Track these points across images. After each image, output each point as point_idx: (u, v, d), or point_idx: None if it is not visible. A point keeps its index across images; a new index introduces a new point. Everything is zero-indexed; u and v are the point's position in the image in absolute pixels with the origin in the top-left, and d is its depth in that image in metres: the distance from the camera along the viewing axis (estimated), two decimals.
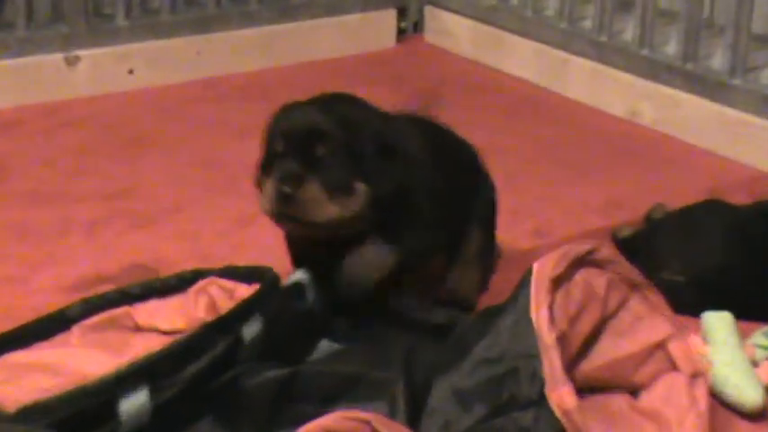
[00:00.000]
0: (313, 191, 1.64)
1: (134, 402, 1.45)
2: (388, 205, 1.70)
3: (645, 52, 2.74)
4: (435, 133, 1.92)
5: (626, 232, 2.15)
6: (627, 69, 2.76)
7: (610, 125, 2.74)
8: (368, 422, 1.32)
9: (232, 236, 2.20)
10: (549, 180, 2.46)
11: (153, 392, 1.46)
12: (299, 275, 1.72)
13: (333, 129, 1.67)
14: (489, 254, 1.98)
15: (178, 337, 1.56)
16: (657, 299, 1.71)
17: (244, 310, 1.59)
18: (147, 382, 1.46)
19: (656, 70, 2.71)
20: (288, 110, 1.75)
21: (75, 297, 1.83)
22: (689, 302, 1.88)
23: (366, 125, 1.71)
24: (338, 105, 1.74)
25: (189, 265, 2.03)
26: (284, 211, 1.65)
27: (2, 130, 2.62)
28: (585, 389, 1.54)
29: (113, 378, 1.46)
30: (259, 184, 1.73)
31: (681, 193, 2.29)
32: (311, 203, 1.65)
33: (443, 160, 1.84)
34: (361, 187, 1.67)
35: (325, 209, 1.65)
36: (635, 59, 2.75)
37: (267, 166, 1.71)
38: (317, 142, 1.67)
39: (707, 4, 2.71)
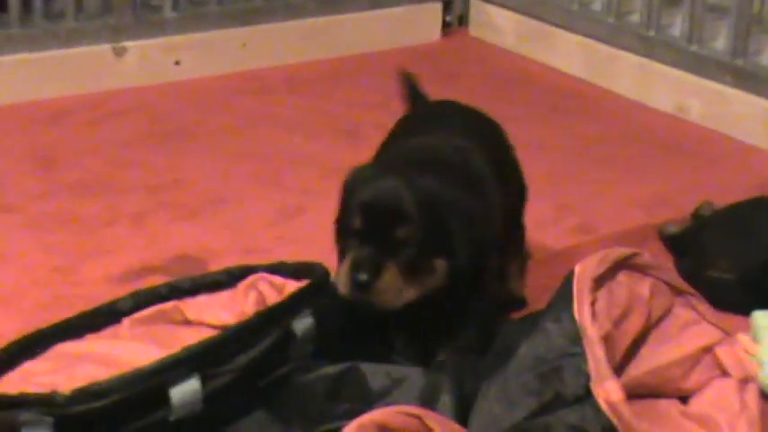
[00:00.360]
0: (390, 279, 1.59)
1: (185, 389, 1.47)
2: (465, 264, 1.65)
3: (693, 48, 2.72)
4: (486, 135, 1.89)
5: (673, 229, 2.15)
6: (675, 65, 2.75)
7: (656, 121, 2.73)
8: (419, 417, 1.33)
9: (276, 228, 2.22)
10: (594, 176, 2.46)
11: (204, 380, 1.48)
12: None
13: (414, 211, 1.60)
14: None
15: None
16: (702, 304, 1.71)
17: (293, 303, 1.59)
18: (197, 369, 1.48)
19: (704, 66, 2.70)
20: (367, 179, 1.65)
21: (123, 287, 1.87)
22: (738, 301, 1.88)
23: (449, 200, 1.63)
24: (421, 174, 1.64)
25: (234, 257, 2.06)
26: (360, 298, 1.59)
27: (49, 120, 2.64)
28: (632, 395, 1.54)
29: (165, 364, 1.47)
30: (338, 243, 1.68)
31: (729, 191, 2.28)
32: (388, 292, 1.59)
33: (498, 167, 1.81)
34: (441, 264, 1.62)
35: (403, 294, 1.60)
36: (683, 55, 2.74)
37: (344, 240, 1.64)
38: (397, 225, 1.60)
39: (757, 0, 2.69)
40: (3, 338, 1.66)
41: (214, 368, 1.49)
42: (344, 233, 1.64)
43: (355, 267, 1.58)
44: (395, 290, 1.59)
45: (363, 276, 1.57)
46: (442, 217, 1.61)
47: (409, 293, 1.61)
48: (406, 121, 1.94)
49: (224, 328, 1.72)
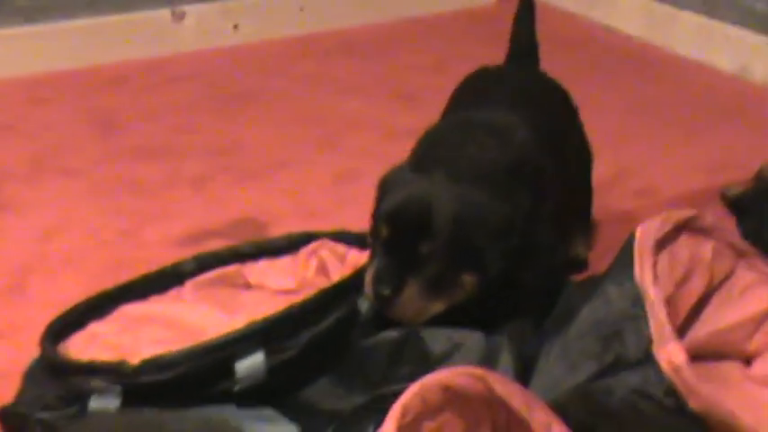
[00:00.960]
0: (412, 295, 1.55)
1: (250, 363, 1.49)
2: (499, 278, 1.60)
3: (759, 5, 2.69)
4: (545, 103, 1.86)
5: (735, 191, 2.13)
6: (738, 23, 2.72)
7: (719, 82, 2.70)
8: (482, 378, 1.34)
9: (335, 191, 2.23)
10: (654, 139, 2.44)
11: (268, 355, 1.50)
12: None
13: (441, 225, 1.54)
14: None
15: (293, 300, 1.59)
16: (765, 266, 1.70)
17: (359, 280, 1.59)
18: (263, 344, 1.50)
19: None
20: (398, 185, 1.61)
21: (184, 251, 1.89)
22: None
23: (482, 214, 1.57)
24: (455, 181, 1.58)
25: (293, 220, 2.07)
26: (383, 310, 1.56)
27: (108, 85, 2.66)
28: (694, 358, 1.54)
29: (231, 339, 1.50)
30: (371, 239, 1.63)
31: None
32: (410, 308, 1.56)
33: (557, 136, 1.79)
34: (468, 279, 1.58)
35: (425, 310, 1.56)
36: (747, 13, 2.70)
37: (373, 245, 1.60)
38: (422, 239, 1.54)
39: None
40: (69, 300, 1.68)
41: (279, 343, 1.51)
42: (374, 236, 1.61)
43: (378, 279, 1.55)
44: (417, 306, 1.56)
45: (386, 291, 1.54)
46: (472, 232, 1.55)
47: (433, 308, 1.57)
48: (464, 90, 1.90)
49: (285, 293, 1.75)
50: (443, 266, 1.55)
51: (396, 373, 1.49)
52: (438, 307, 1.57)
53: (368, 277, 1.57)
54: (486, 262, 1.57)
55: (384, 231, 1.56)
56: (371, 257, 1.61)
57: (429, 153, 1.67)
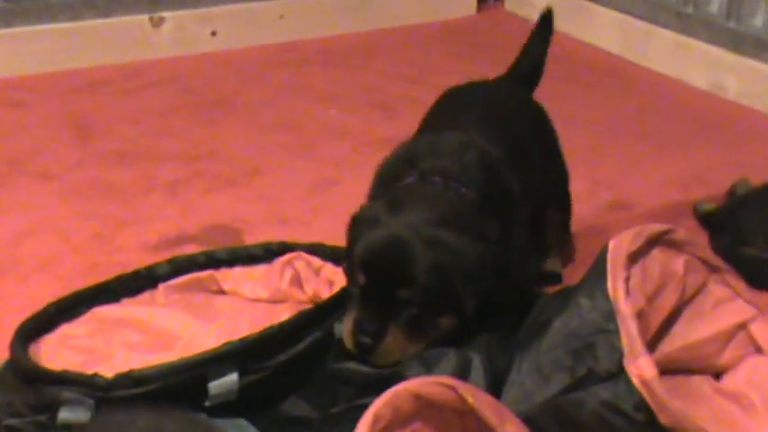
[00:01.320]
0: (393, 342, 1.55)
1: (223, 383, 1.48)
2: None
3: (731, 24, 2.70)
4: (520, 124, 1.83)
5: (708, 207, 2.14)
6: (712, 42, 2.73)
7: (693, 98, 2.71)
8: (454, 388, 1.33)
9: (310, 199, 2.22)
10: (629, 153, 2.44)
11: (242, 375, 1.49)
12: None
13: (419, 273, 1.53)
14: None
15: (267, 312, 1.60)
16: (737, 281, 1.71)
17: (337, 304, 1.59)
18: (238, 365, 1.49)
19: (741, 43, 2.68)
20: (372, 228, 1.57)
21: (158, 255, 1.88)
22: None
23: (458, 258, 1.55)
24: (429, 221, 1.56)
25: (268, 227, 2.06)
26: (364, 357, 1.55)
27: (86, 89, 2.65)
28: (665, 372, 1.54)
29: (208, 358, 1.49)
30: (346, 275, 1.63)
31: (765, 169, 2.27)
32: (391, 353, 1.55)
33: (529, 157, 1.77)
34: (445, 321, 1.58)
35: (403, 353, 1.56)
36: (720, 32, 2.72)
37: (350, 291, 1.58)
38: (401, 286, 1.54)
39: None
40: (42, 303, 1.66)
41: (254, 364, 1.51)
42: (349, 278, 1.59)
43: (359, 329, 1.54)
44: (398, 350, 1.55)
45: (367, 340, 1.53)
46: (449, 277, 1.55)
47: (413, 349, 1.56)
48: (436, 110, 1.88)
49: (258, 301, 1.74)
50: (422, 311, 1.55)
51: (369, 391, 1.47)
52: (417, 348, 1.56)
53: (347, 327, 1.55)
54: (462, 304, 1.57)
55: (361, 278, 1.55)
56: (348, 305, 1.58)
57: (398, 186, 1.63)
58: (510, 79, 1.95)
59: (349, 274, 1.60)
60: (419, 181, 1.62)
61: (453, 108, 1.86)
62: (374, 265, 1.54)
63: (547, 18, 1.99)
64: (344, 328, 1.56)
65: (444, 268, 1.54)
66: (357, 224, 1.60)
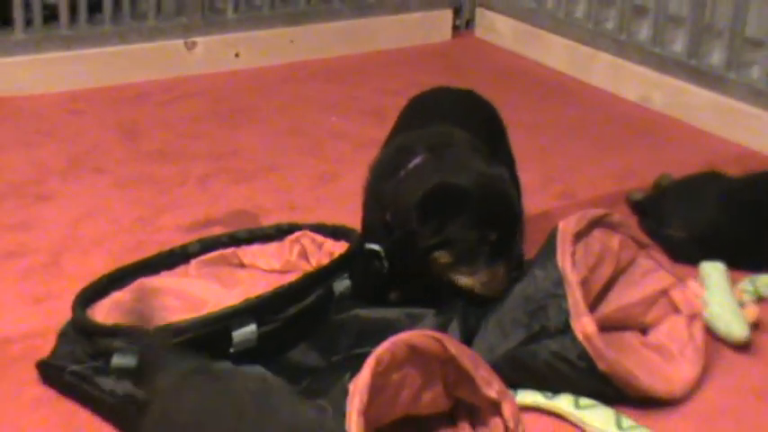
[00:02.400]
0: (503, 272, 1.57)
1: (245, 332, 1.48)
2: None
3: (657, 49, 2.70)
4: (484, 117, 1.84)
5: (638, 196, 2.14)
6: (641, 63, 2.73)
7: (625, 109, 2.71)
8: (440, 340, 1.33)
9: (316, 190, 2.21)
10: (574, 152, 2.44)
11: (259, 326, 1.49)
12: (375, 246, 1.66)
13: (518, 215, 1.59)
14: None
15: (279, 281, 1.59)
16: (660, 255, 1.71)
17: (336, 267, 1.59)
18: (255, 317, 1.49)
19: (665, 64, 2.68)
20: (493, 194, 1.55)
21: (190, 235, 1.87)
22: (689, 254, 1.87)
23: (517, 190, 1.63)
24: (502, 174, 1.59)
25: (281, 213, 2.06)
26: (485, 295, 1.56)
27: (132, 100, 2.64)
28: (602, 329, 1.54)
29: (230, 312, 1.48)
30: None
31: (684, 165, 2.26)
32: (502, 283, 1.57)
33: (495, 142, 1.78)
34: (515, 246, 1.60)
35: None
36: (648, 55, 2.71)
37: (475, 247, 1.54)
38: (515, 233, 1.58)
39: (708, 11, 2.67)
40: (96, 274, 1.67)
41: (268, 316, 1.50)
42: (476, 242, 1.54)
43: (503, 275, 1.55)
44: (504, 281, 1.56)
45: (501, 287, 1.55)
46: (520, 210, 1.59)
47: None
48: (416, 108, 1.87)
49: (272, 272, 1.73)
50: (515, 244, 1.58)
51: (364, 343, 1.47)
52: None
53: (484, 274, 1.55)
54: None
55: (494, 235, 1.53)
56: (472, 259, 1.55)
57: (417, 164, 1.59)
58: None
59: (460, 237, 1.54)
60: (433, 155, 1.58)
61: (423, 110, 1.84)
62: (507, 218, 1.54)
63: None
64: (475, 280, 1.55)
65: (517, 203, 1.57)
66: (439, 194, 1.53)
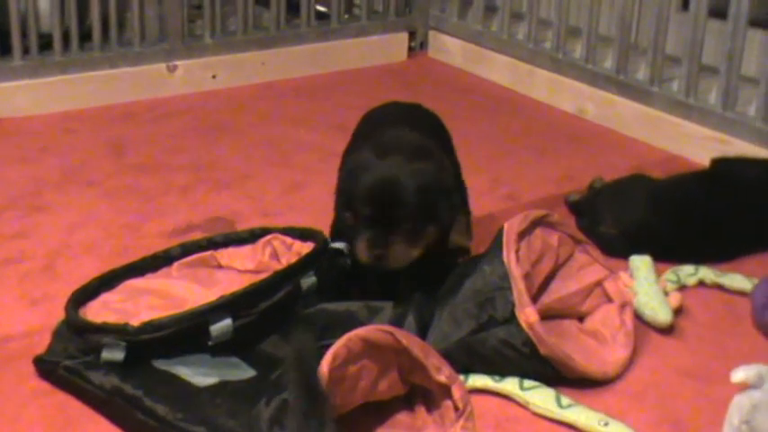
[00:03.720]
0: (399, 250, 1.54)
1: (221, 326, 1.46)
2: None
3: (589, 66, 2.71)
4: (432, 124, 1.83)
5: (574, 197, 2.14)
6: (576, 79, 2.74)
7: (564, 119, 2.72)
8: (392, 333, 1.32)
9: (286, 197, 2.19)
10: (518, 159, 2.45)
11: (235, 320, 1.47)
12: (339, 244, 1.66)
13: (410, 197, 1.53)
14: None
15: (253, 280, 1.57)
16: (595, 251, 1.72)
17: (303, 266, 1.58)
18: (230, 312, 1.47)
19: (597, 79, 2.69)
20: (370, 171, 1.55)
21: (173, 240, 1.85)
22: (620, 249, 1.88)
23: (436, 180, 1.56)
24: (409, 159, 1.56)
25: (254, 219, 2.04)
26: (377, 265, 1.55)
27: (121, 118, 2.61)
28: (544, 318, 1.54)
29: (208, 308, 1.47)
30: (341, 220, 1.62)
31: (614, 169, 2.28)
32: (398, 258, 1.55)
33: (443, 145, 1.77)
34: (431, 229, 1.57)
35: (408, 257, 1.56)
36: (582, 71, 2.72)
37: (356, 223, 1.56)
38: (398, 209, 1.53)
39: (633, 32, 2.68)
40: (87, 277, 1.65)
41: (243, 311, 1.49)
42: (352, 211, 1.57)
43: (372, 245, 1.53)
44: (403, 256, 1.55)
45: (378, 251, 1.53)
46: (430, 195, 1.54)
47: (412, 256, 1.56)
48: (370, 119, 1.86)
49: (247, 272, 1.72)
50: (416, 226, 1.54)
51: (330, 333, 1.46)
52: (417, 252, 1.56)
53: (360, 246, 1.54)
54: (441, 216, 1.57)
55: (367, 210, 1.53)
56: (341, 224, 1.58)
57: (378, 142, 1.61)
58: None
59: (346, 208, 1.57)
60: (392, 139, 1.61)
61: (377, 122, 1.83)
62: (377, 195, 1.53)
63: None
64: (357, 249, 1.54)
65: (425, 190, 1.53)
66: (356, 168, 1.57)
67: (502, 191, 2.24)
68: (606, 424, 1.43)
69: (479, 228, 1.96)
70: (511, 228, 1.57)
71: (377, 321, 1.51)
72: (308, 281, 1.56)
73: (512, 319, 1.50)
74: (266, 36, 2.90)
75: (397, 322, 1.51)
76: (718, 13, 2.43)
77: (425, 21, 3.16)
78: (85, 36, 2.64)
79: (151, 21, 2.73)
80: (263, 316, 1.51)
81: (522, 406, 1.49)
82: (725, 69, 2.39)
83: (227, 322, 1.46)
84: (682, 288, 1.81)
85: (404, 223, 1.54)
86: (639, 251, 1.80)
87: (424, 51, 3.20)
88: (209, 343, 1.46)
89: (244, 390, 1.40)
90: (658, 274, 1.76)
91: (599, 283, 1.67)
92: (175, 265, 1.71)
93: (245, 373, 1.46)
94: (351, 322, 1.49)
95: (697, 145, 2.43)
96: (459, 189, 1.87)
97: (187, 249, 1.73)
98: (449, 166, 1.65)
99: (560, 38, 2.78)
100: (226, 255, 1.74)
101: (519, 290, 1.51)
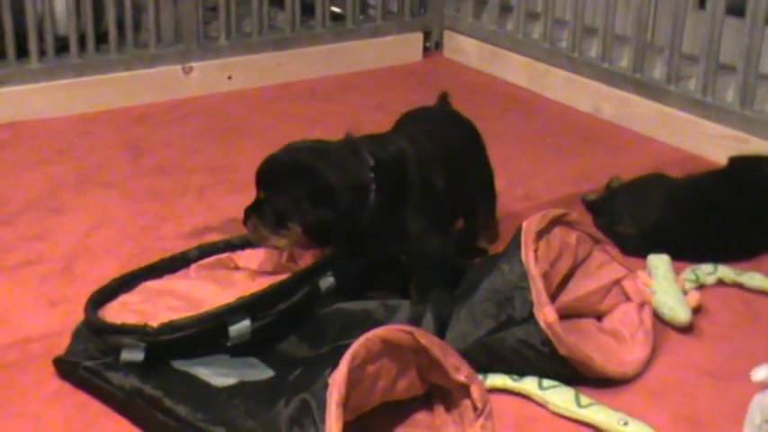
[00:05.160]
0: (255, 225, 1.58)
1: (240, 327, 1.47)
2: (341, 231, 1.55)
3: (605, 65, 2.71)
4: (448, 132, 1.79)
5: (592, 197, 2.14)
6: (592, 78, 2.74)
7: (579, 119, 2.72)
8: (411, 333, 1.33)
9: None
10: (534, 158, 2.45)
11: (253, 321, 1.48)
12: None
13: (275, 178, 1.55)
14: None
15: (271, 281, 1.58)
16: (613, 249, 1.72)
17: (321, 267, 1.58)
18: (249, 313, 1.48)
19: (613, 78, 2.69)
20: (269, 155, 1.60)
21: (190, 242, 1.86)
22: (638, 248, 1.88)
23: (306, 173, 1.52)
24: (297, 154, 1.56)
25: None
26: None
27: (137, 120, 2.62)
28: (562, 317, 1.54)
29: (227, 309, 1.48)
30: None
31: (631, 168, 2.27)
32: (255, 234, 1.59)
33: (451, 156, 1.71)
34: (292, 226, 1.55)
35: (267, 239, 1.57)
36: (599, 70, 2.72)
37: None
38: (263, 188, 1.57)
39: (650, 31, 2.68)
40: (106, 278, 1.66)
41: (261, 312, 1.50)
42: None
43: (244, 215, 1.60)
44: (259, 233, 1.58)
45: (243, 219, 1.59)
46: (292, 187, 1.53)
47: (275, 240, 1.57)
48: (396, 124, 1.84)
49: (264, 273, 1.73)
50: (274, 210, 1.54)
51: (348, 333, 1.47)
52: (281, 242, 1.57)
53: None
54: (303, 216, 1.53)
55: (261, 195, 1.58)
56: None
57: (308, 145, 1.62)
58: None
59: None
60: (344, 141, 1.61)
61: (404, 122, 1.83)
62: (256, 175, 1.57)
63: (444, 97, 1.95)
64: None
65: (293, 183, 1.53)
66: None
67: (519, 191, 2.24)
68: (626, 423, 1.43)
69: (498, 229, 1.96)
70: (529, 227, 1.58)
71: (395, 320, 1.51)
72: (327, 282, 1.57)
73: (530, 318, 1.50)
74: (281, 37, 2.91)
75: (416, 321, 1.51)
76: (736, 10, 2.42)
77: (440, 21, 3.17)
78: (101, 38, 2.66)
79: (166, 23, 2.75)
80: (282, 317, 1.51)
81: (541, 405, 1.49)
82: (742, 67, 2.38)
83: (245, 323, 1.47)
84: (700, 287, 1.81)
85: (265, 205, 1.56)
86: (657, 250, 1.79)
87: (440, 52, 3.20)
88: (228, 344, 1.47)
89: (262, 390, 1.41)
90: (677, 273, 1.76)
91: (617, 282, 1.67)
92: (193, 266, 1.72)
93: (264, 373, 1.46)
94: (368, 321, 1.49)
95: (715, 144, 2.42)
96: (483, 196, 1.88)
97: (205, 251, 1.73)
98: (357, 176, 1.54)
99: (576, 37, 2.78)
100: (243, 256, 1.75)
101: (537, 289, 1.51)
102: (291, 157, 1.57)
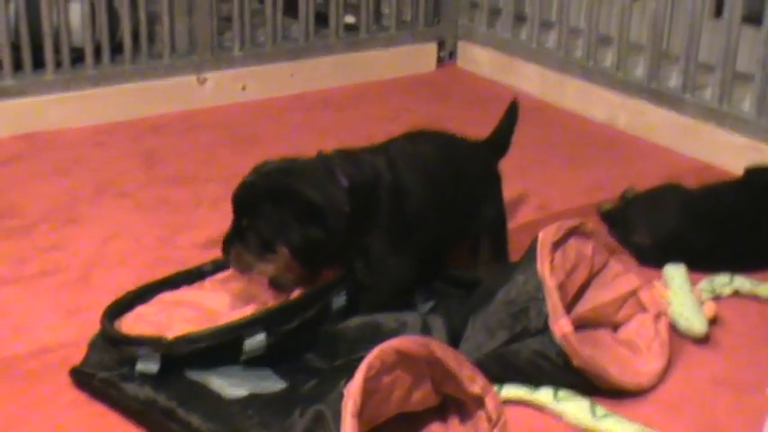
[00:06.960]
0: (239, 254, 1.55)
1: (254, 341, 1.48)
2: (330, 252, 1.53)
3: (620, 75, 2.71)
4: (443, 155, 1.73)
5: (607, 207, 2.15)
6: (607, 87, 2.74)
7: (594, 129, 2.72)
8: (425, 344, 1.33)
9: None
10: (549, 168, 2.45)
11: (268, 335, 1.49)
12: None
13: (256, 203, 1.51)
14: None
15: (286, 297, 1.58)
16: (629, 260, 1.72)
17: (335, 284, 1.59)
18: (264, 328, 1.49)
19: (628, 88, 2.69)
20: (242, 181, 1.56)
21: (205, 253, 1.87)
22: (653, 258, 1.88)
23: (287, 194, 1.50)
24: (276, 176, 1.54)
25: None
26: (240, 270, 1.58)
27: (152, 131, 2.64)
28: (578, 327, 1.54)
29: (242, 323, 1.49)
30: None
31: (647, 179, 2.27)
32: (239, 263, 1.56)
33: (447, 194, 1.69)
34: (282, 249, 1.53)
35: (252, 266, 1.55)
36: (613, 80, 2.72)
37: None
38: (243, 215, 1.53)
39: (665, 40, 2.68)
40: (122, 289, 1.67)
41: (276, 327, 1.51)
42: None
43: (222, 244, 1.57)
44: (244, 262, 1.54)
45: (223, 252, 1.57)
46: (278, 210, 1.50)
47: (263, 267, 1.54)
48: (396, 138, 1.79)
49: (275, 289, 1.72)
50: (259, 235, 1.52)
51: (361, 346, 1.47)
52: (268, 267, 1.54)
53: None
54: (292, 237, 1.51)
55: (244, 222, 1.55)
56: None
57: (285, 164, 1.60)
58: (482, 144, 1.86)
59: None
60: (317, 160, 1.59)
61: (397, 140, 1.76)
62: (234, 199, 1.54)
63: (513, 106, 1.90)
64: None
65: (276, 203, 1.50)
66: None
67: (533, 201, 2.24)
68: None
69: (511, 238, 1.96)
70: (545, 238, 1.58)
71: (406, 332, 1.51)
72: (339, 300, 1.58)
73: (545, 330, 1.50)
74: (295, 47, 2.92)
75: (426, 332, 1.52)
76: (752, 19, 2.42)
77: (454, 30, 3.18)
78: (116, 49, 2.68)
79: (181, 33, 2.77)
80: (296, 332, 1.52)
81: (557, 417, 1.50)
82: (759, 76, 2.38)
83: (260, 338, 1.48)
84: (716, 298, 1.81)
85: (248, 231, 1.53)
86: (673, 261, 1.79)
87: (453, 61, 3.21)
88: (242, 357, 1.48)
89: (275, 401, 1.42)
90: (693, 283, 1.76)
91: (633, 293, 1.67)
92: (208, 280, 1.73)
93: (276, 384, 1.47)
94: (381, 334, 1.50)
95: (731, 153, 2.42)
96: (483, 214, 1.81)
97: (219, 265, 1.74)
98: (334, 196, 1.52)
99: (591, 46, 2.78)
100: None
101: (553, 301, 1.51)
102: (269, 180, 1.53)
